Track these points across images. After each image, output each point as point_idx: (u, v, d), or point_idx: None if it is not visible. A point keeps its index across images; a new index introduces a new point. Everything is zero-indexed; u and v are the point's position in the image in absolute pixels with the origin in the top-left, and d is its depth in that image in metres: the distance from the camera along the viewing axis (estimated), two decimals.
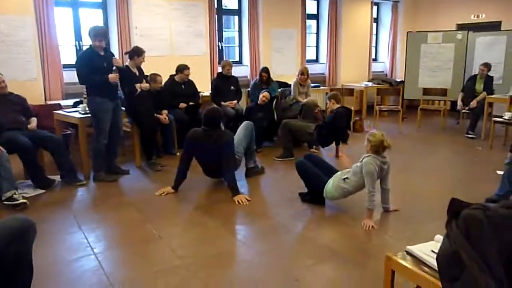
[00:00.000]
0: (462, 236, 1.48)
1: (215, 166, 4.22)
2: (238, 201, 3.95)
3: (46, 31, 5.84)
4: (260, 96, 6.16)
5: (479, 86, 7.17)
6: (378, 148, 3.44)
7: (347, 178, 3.56)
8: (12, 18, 5.58)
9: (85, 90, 4.60)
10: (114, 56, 4.70)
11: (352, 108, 6.66)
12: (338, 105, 5.36)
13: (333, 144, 5.54)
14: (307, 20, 8.76)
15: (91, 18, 6.55)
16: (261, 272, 2.73)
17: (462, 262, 1.49)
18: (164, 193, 4.16)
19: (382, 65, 10.40)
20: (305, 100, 6.43)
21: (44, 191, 4.25)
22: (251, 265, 2.84)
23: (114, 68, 4.45)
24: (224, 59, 7.64)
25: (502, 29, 8.28)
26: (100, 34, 4.35)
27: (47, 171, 4.51)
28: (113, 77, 4.36)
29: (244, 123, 4.83)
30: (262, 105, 6.16)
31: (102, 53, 4.41)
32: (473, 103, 6.94)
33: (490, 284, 1.34)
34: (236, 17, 8.16)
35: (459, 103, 7.23)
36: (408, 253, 1.94)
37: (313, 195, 3.86)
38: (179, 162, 4.25)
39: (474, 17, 8.96)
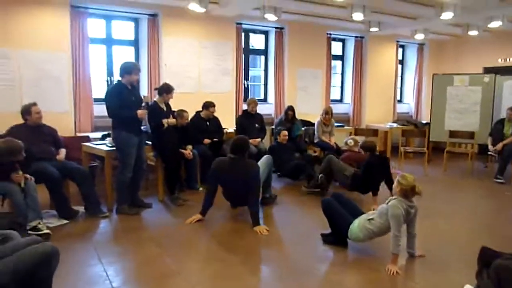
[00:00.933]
0: (493, 287, 1.42)
1: (239, 195, 4.37)
2: (258, 232, 4.08)
3: (80, 66, 6.11)
4: (280, 135, 6.24)
5: (508, 129, 7.03)
6: (408, 193, 3.38)
7: (372, 219, 3.49)
8: (50, 54, 5.87)
9: (112, 123, 4.72)
10: (138, 91, 4.81)
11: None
12: (367, 153, 5.18)
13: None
14: (332, 61, 8.88)
15: (123, 54, 6.82)
16: None
17: None
18: (194, 220, 4.30)
19: (407, 106, 10.37)
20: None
21: (68, 221, 4.30)
22: None
23: (143, 104, 4.55)
24: (250, 97, 7.78)
25: None
26: (135, 68, 4.51)
27: (72, 202, 4.59)
28: (141, 113, 4.46)
29: (265, 156, 5.17)
30: (284, 144, 6.20)
31: (130, 88, 4.54)
32: (499, 146, 6.82)
33: None
34: (263, 57, 8.35)
35: (490, 146, 7.11)
36: None
37: (336, 236, 3.78)
38: (205, 191, 4.42)
39: (501, 60, 8.90)
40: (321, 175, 5.48)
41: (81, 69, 6.13)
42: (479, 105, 8.04)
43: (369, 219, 3.52)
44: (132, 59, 6.82)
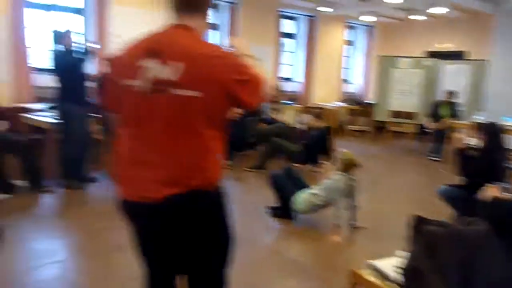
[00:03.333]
0: (423, 252, 1.56)
1: None
2: None
3: (16, 31, 5.72)
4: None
5: (444, 111, 7.48)
6: (348, 167, 3.55)
7: (316, 193, 3.64)
8: None
9: (55, 95, 4.53)
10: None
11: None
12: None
13: None
14: (284, 39, 8.93)
15: (70, 23, 6.44)
16: None
17: (423, 276, 1.57)
18: None
19: (355, 86, 10.69)
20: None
21: (8, 196, 4.12)
22: None
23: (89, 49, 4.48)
24: None
25: (468, 58, 8.70)
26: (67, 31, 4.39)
27: (12, 175, 4.38)
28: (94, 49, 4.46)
29: None
30: (235, 121, 6.22)
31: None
32: (433, 125, 7.31)
33: None
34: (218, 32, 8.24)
35: (427, 124, 7.53)
36: (371, 267, 2.01)
37: (284, 209, 3.91)
38: None
39: (442, 45, 9.38)
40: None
41: (19, 35, 5.75)
42: (420, 87, 8.47)
43: (313, 193, 3.67)
44: (79, 28, 6.47)
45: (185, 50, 1.39)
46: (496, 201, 1.63)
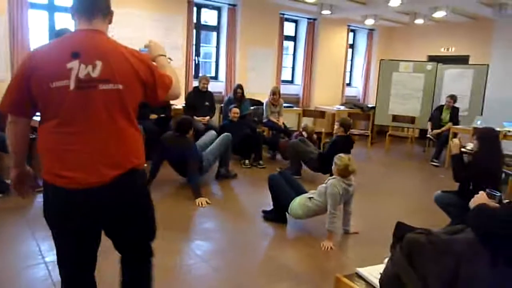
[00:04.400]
0: (404, 259, 1.52)
1: (181, 166, 4.70)
2: (198, 203, 4.22)
3: (18, 32, 5.73)
4: (230, 112, 6.23)
5: (445, 116, 7.43)
6: (344, 172, 3.50)
7: (312, 197, 3.60)
8: None
9: None
10: None
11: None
12: (343, 134, 5.25)
13: None
14: (284, 41, 8.91)
15: (67, 22, 6.46)
16: None
17: (403, 284, 1.53)
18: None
19: (356, 90, 10.64)
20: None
21: (0, 195, 4.10)
22: (206, 281, 2.81)
23: None
24: (201, 73, 7.67)
25: (469, 63, 8.64)
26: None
27: (3, 174, 4.36)
28: None
29: (223, 135, 5.28)
30: (235, 122, 6.19)
31: None
32: (436, 132, 7.27)
33: None
34: (215, 33, 8.23)
35: (429, 131, 7.47)
36: (358, 275, 1.97)
37: (278, 212, 3.87)
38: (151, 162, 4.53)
39: (444, 50, 9.32)
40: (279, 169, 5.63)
41: (19, 35, 5.76)
42: (421, 91, 8.41)
43: (309, 198, 3.63)
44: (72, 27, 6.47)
45: (103, 50, 1.60)
46: (479, 209, 1.58)
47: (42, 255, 2.98)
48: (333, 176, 3.59)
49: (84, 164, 1.57)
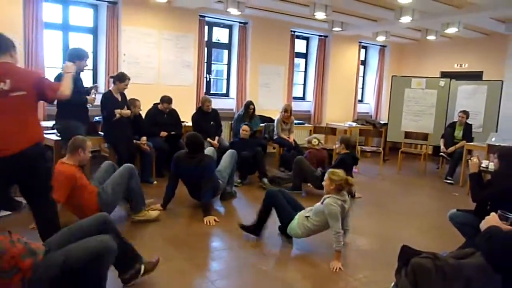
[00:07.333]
0: (409, 285, 1.46)
1: (195, 186, 4.48)
2: (206, 222, 4.15)
3: (33, 51, 5.85)
4: (241, 130, 6.20)
5: (458, 132, 7.30)
6: (342, 186, 3.44)
7: (309, 216, 3.54)
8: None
9: (57, 113, 4.60)
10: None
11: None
12: (346, 150, 5.26)
13: None
14: (295, 58, 8.94)
15: (81, 42, 6.59)
16: None
17: None
18: (154, 210, 4.24)
19: (368, 106, 10.58)
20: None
21: (10, 213, 4.12)
22: None
23: (93, 91, 4.51)
24: (207, 92, 7.72)
25: (483, 79, 8.53)
26: (86, 54, 4.41)
27: (14, 192, 4.39)
28: (91, 98, 4.43)
29: (229, 151, 5.19)
30: (245, 139, 6.17)
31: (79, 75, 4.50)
32: (451, 149, 7.11)
33: None
34: (226, 51, 8.30)
35: (442, 148, 7.34)
36: None
37: (259, 228, 3.83)
38: (168, 181, 4.51)
39: (457, 66, 9.23)
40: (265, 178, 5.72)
41: (34, 54, 5.88)
42: (434, 108, 8.31)
43: (306, 216, 3.58)
44: (89, 47, 6.62)
45: (12, 72, 2.73)
46: (491, 234, 1.51)
47: None
48: (328, 195, 3.51)
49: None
